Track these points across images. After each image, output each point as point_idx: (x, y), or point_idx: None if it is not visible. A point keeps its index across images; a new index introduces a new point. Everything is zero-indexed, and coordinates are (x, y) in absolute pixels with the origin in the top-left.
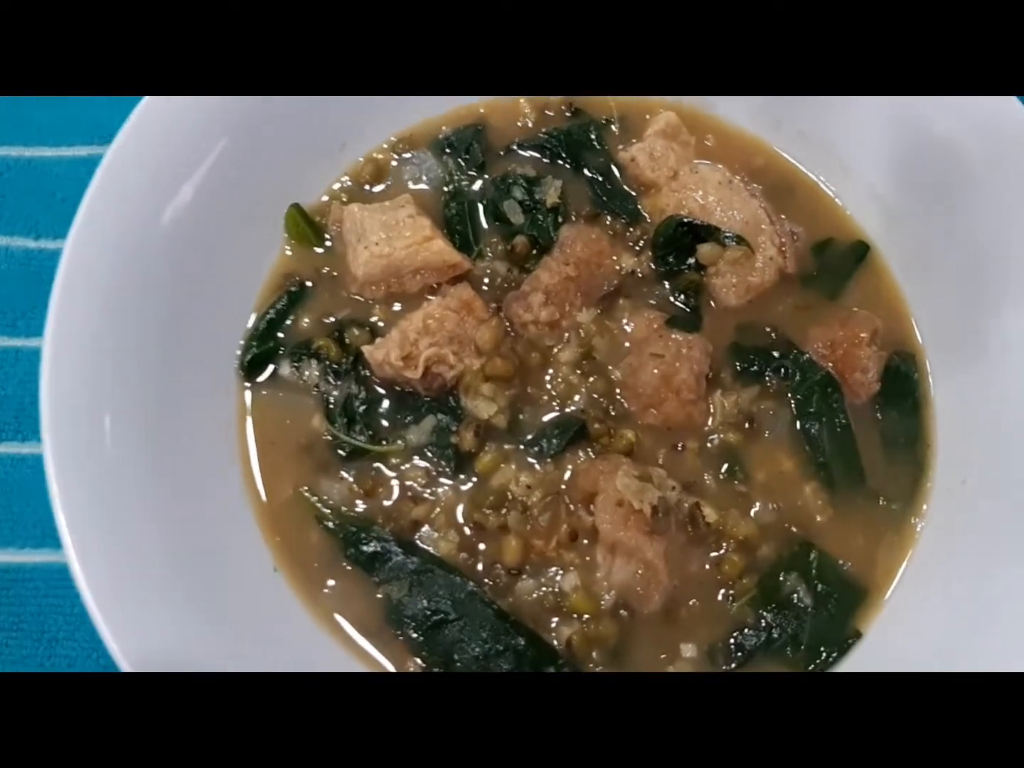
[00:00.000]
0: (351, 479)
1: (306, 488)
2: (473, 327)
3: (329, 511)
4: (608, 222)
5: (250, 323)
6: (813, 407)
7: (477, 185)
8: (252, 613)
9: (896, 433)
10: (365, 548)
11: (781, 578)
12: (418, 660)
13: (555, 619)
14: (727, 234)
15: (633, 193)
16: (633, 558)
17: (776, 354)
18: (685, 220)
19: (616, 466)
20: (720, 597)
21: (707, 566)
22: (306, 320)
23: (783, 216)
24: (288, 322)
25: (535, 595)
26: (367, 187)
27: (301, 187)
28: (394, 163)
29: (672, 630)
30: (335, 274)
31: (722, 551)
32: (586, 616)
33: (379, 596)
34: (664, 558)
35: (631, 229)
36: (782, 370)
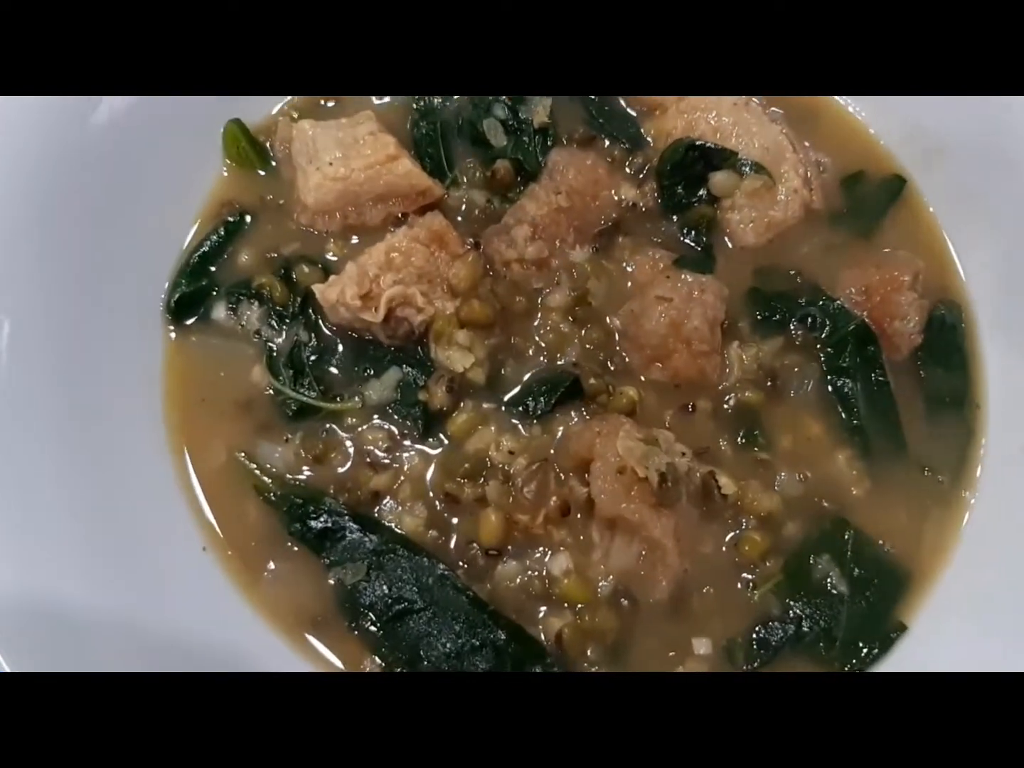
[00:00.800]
0: (297, 442)
1: (243, 453)
2: (446, 264)
3: (270, 480)
4: (606, 146)
5: (179, 258)
6: (846, 362)
7: (452, 101)
8: (176, 600)
9: (941, 393)
10: (313, 524)
11: (811, 561)
12: (376, 658)
13: (543, 609)
14: (744, 161)
15: (634, 114)
16: (636, 537)
17: (802, 301)
18: (696, 143)
19: (616, 427)
20: (739, 584)
21: (724, 547)
22: (245, 256)
23: (807, 144)
24: (224, 257)
25: (518, 580)
26: (322, 102)
27: (245, 101)
28: None
29: (682, 623)
30: (281, 202)
31: (741, 529)
32: (580, 606)
33: (330, 581)
34: (674, 536)
35: (632, 156)
36: (809, 319)
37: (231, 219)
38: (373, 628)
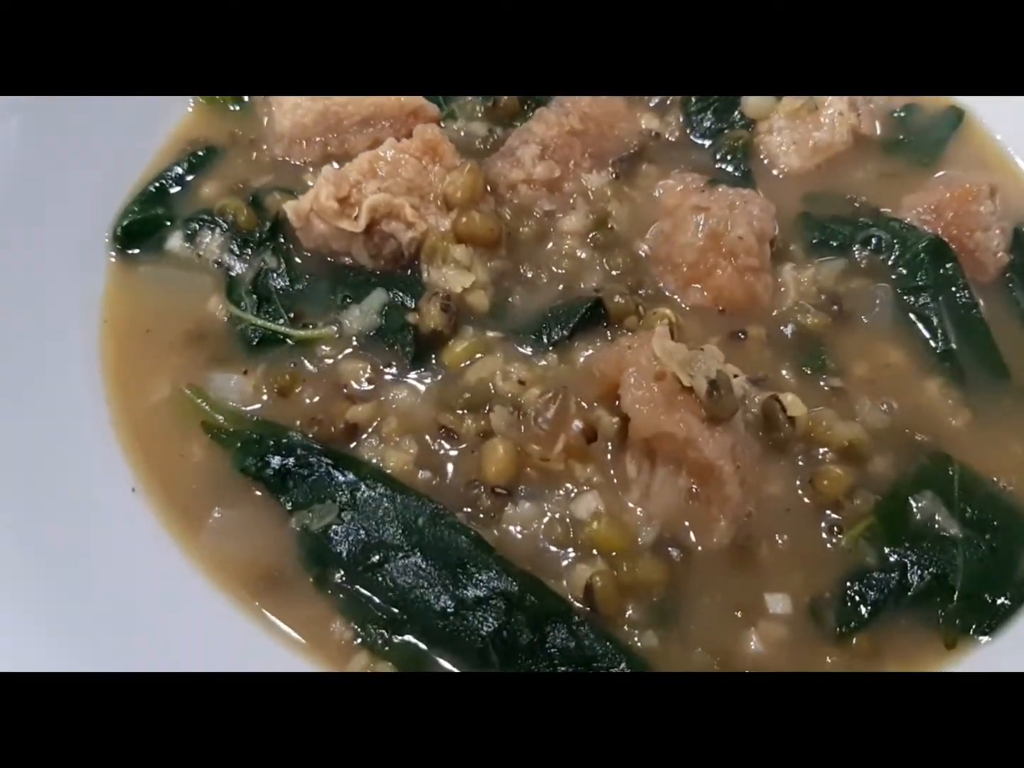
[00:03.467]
0: (259, 374)
1: (189, 386)
2: (440, 178)
3: (222, 417)
4: None
5: (134, 187)
6: (922, 280)
7: None
8: (100, 547)
9: None
10: (273, 461)
11: (910, 500)
12: (346, 622)
13: (566, 559)
14: None
15: None
16: (683, 466)
17: (863, 222)
18: None
19: (649, 339)
20: (821, 529)
21: (797, 487)
22: (209, 188)
23: None
24: (185, 189)
25: (534, 526)
26: None
27: None
28: None
29: (750, 576)
30: (253, 137)
31: (816, 464)
32: (615, 554)
33: (292, 528)
34: (731, 459)
35: None
36: (874, 241)
37: (198, 152)
38: (344, 582)
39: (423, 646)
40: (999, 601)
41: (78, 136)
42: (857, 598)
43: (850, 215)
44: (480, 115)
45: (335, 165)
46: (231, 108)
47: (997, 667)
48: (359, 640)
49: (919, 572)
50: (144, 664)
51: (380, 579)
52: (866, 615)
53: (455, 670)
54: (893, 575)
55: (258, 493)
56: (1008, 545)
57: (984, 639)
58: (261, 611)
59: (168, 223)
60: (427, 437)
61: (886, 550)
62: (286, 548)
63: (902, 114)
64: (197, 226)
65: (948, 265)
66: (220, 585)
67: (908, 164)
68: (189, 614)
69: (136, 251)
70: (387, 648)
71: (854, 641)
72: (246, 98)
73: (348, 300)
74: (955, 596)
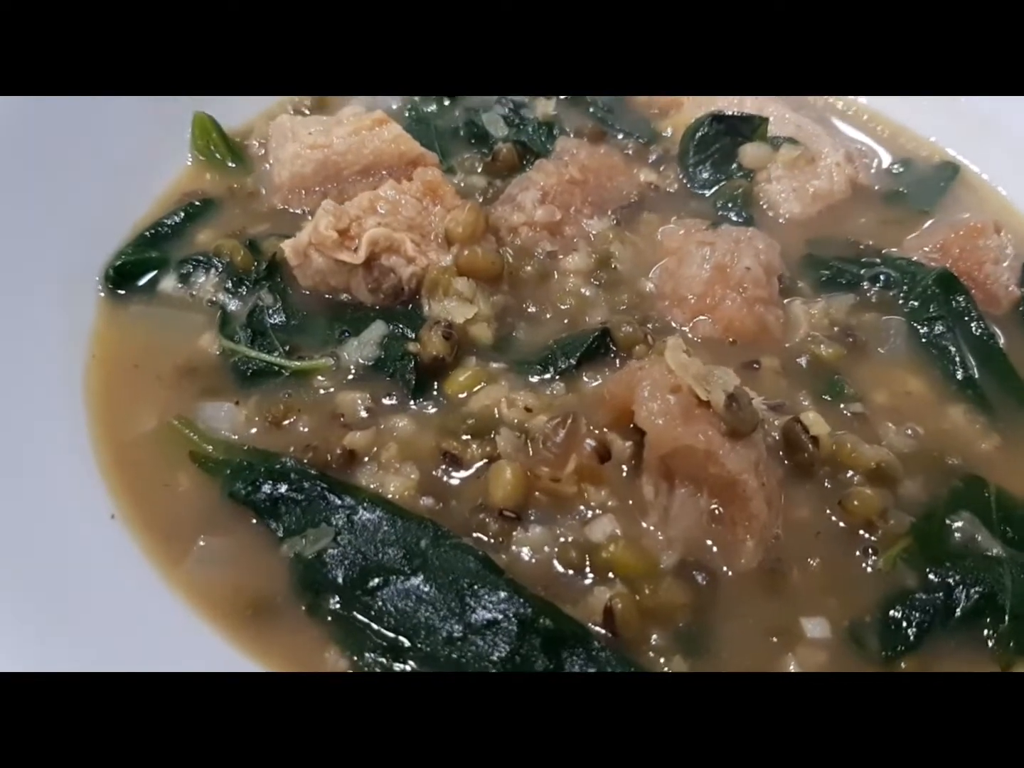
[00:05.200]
0: (251, 405)
1: (177, 417)
2: (440, 218)
3: (210, 445)
4: (619, 139)
5: (129, 231)
6: (935, 312)
7: (445, 109)
8: (77, 575)
9: None
10: (264, 487)
11: (947, 522)
12: (340, 650)
13: (584, 580)
14: (776, 137)
15: (647, 118)
16: (704, 485)
17: (870, 260)
18: (719, 113)
19: (661, 359)
20: (856, 553)
21: (826, 510)
22: (204, 235)
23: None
24: (181, 236)
25: (545, 551)
26: (306, 112)
27: (224, 104)
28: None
29: (782, 600)
30: (251, 191)
31: (845, 487)
32: (635, 580)
33: (283, 555)
34: (755, 474)
35: (650, 146)
36: (882, 277)
37: (195, 203)
38: (339, 609)
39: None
40: None
41: (74, 182)
42: (901, 620)
43: (855, 256)
44: (479, 170)
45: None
46: (229, 164)
47: None
48: (354, 669)
49: (965, 592)
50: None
51: (380, 604)
52: (912, 638)
53: None
54: (938, 596)
55: (247, 521)
56: None
57: None
58: (248, 641)
59: (162, 265)
60: (429, 463)
61: (927, 571)
62: (277, 576)
63: (900, 169)
64: (191, 267)
65: (960, 297)
66: (203, 614)
67: (908, 212)
68: (170, 644)
69: (128, 291)
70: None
71: (902, 665)
72: (245, 160)
73: (346, 334)
74: (1006, 617)
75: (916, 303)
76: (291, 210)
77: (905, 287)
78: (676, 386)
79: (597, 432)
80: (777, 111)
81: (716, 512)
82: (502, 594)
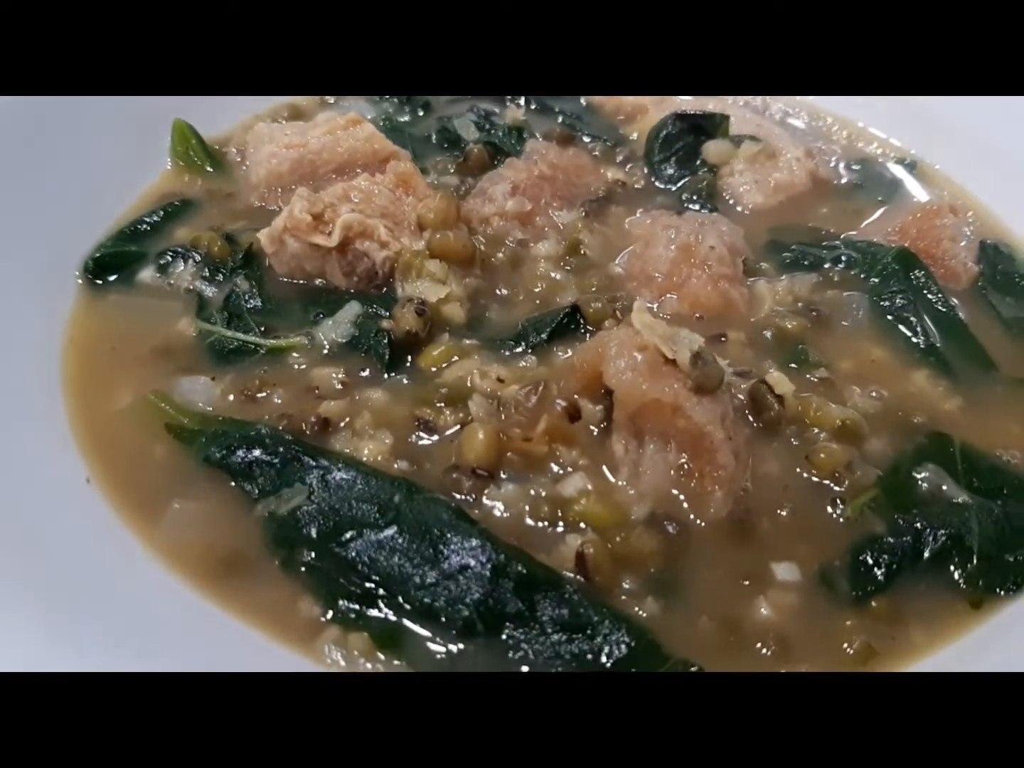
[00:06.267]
0: (227, 382)
1: (154, 393)
2: (413, 208)
3: (186, 418)
4: (587, 144)
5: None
6: (896, 287)
7: (421, 119)
8: (51, 539)
9: (1021, 314)
10: (239, 451)
11: (913, 473)
12: (316, 599)
13: (556, 531)
14: (737, 135)
15: (614, 124)
16: (673, 440)
17: (831, 244)
18: (682, 112)
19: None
20: (823, 504)
21: (794, 467)
22: (182, 232)
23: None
24: (159, 233)
25: (519, 506)
26: (282, 121)
27: (202, 111)
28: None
29: (752, 548)
30: (229, 192)
31: (811, 443)
32: (606, 529)
33: (258, 513)
34: (722, 427)
35: (617, 148)
36: (843, 258)
37: (174, 203)
38: (313, 561)
39: (401, 618)
40: (1021, 558)
41: (55, 181)
42: (871, 563)
43: (816, 240)
44: (452, 170)
45: None
46: (207, 169)
47: None
48: (328, 616)
49: (932, 535)
50: (97, 653)
51: (353, 555)
52: (882, 579)
53: (436, 640)
54: (906, 539)
55: (221, 486)
56: (1022, 507)
57: (1011, 598)
58: (222, 595)
59: (140, 259)
60: (403, 430)
61: (895, 516)
62: (251, 535)
63: (858, 167)
64: (170, 257)
65: (919, 272)
66: (178, 572)
67: (867, 202)
68: (145, 600)
69: (106, 282)
70: (360, 621)
71: (873, 604)
72: (223, 166)
73: (321, 316)
74: (974, 557)
75: (877, 280)
76: (268, 207)
77: (866, 266)
78: (643, 345)
79: (568, 398)
80: (738, 112)
81: (685, 466)
82: (474, 541)
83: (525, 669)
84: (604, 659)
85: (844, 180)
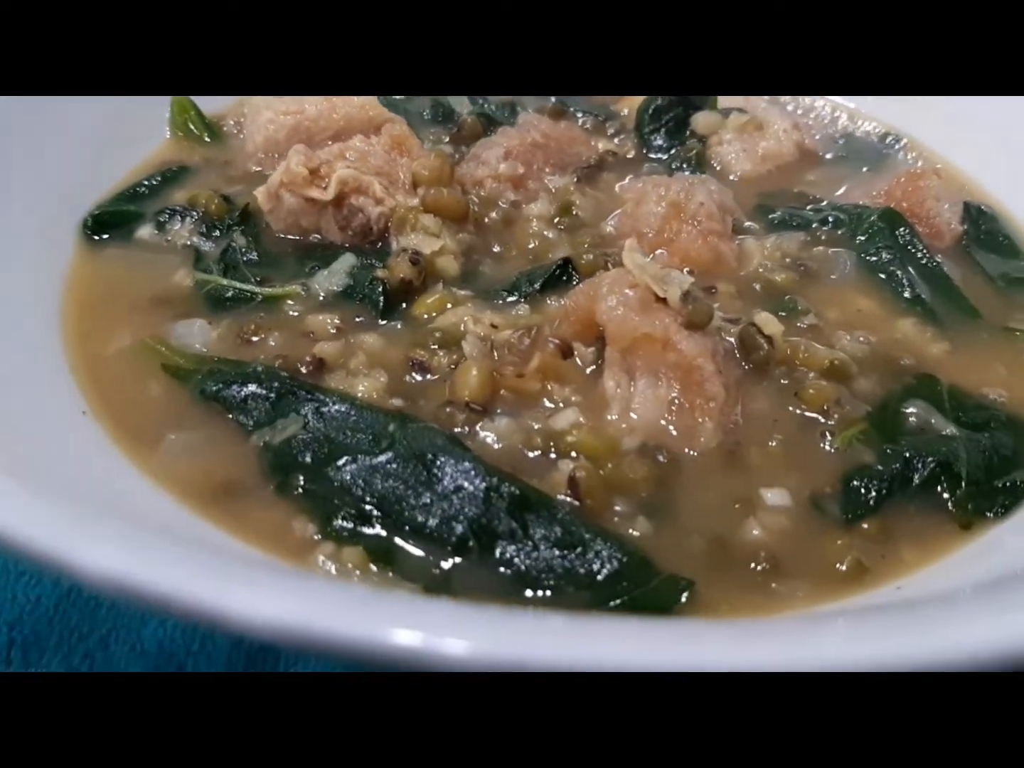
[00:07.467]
0: (222, 327)
1: (151, 336)
2: (407, 169)
3: (182, 359)
4: (579, 120)
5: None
6: (881, 243)
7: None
8: (47, 465)
9: (1005, 271)
10: (234, 386)
11: (902, 408)
12: (310, 519)
13: (549, 459)
14: (725, 108)
15: (605, 103)
16: (664, 375)
17: (818, 207)
18: None
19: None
20: (813, 436)
21: (783, 404)
22: (180, 195)
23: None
24: (157, 196)
25: (513, 438)
26: None
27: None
28: None
29: (742, 476)
30: (226, 159)
31: (800, 382)
32: (598, 458)
33: (253, 443)
34: (712, 360)
35: (607, 123)
36: (830, 219)
37: (172, 168)
38: (307, 485)
39: (394, 536)
40: (1009, 484)
41: (53, 146)
42: (861, 489)
43: (804, 204)
44: (446, 140)
45: None
46: (205, 139)
47: (1018, 544)
48: (322, 535)
49: (921, 462)
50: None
51: (348, 478)
52: (872, 503)
53: (429, 557)
54: (895, 466)
55: (217, 419)
56: (1009, 439)
57: (1000, 520)
58: (218, 518)
59: (138, 218)
60: (398, 371)
61: (884, 447)
62: (246, 463)
63: (843, 141)
64: (167, 215)
65: (904, 230)
66: (174, 496)
67: (853, 169)
68: (141, 520)
69: (104, 238)
70: (354, 539)
71: (864, 526)
72: (220, 137)
73: (317, 268)
74: (963, 483)
75: (863, 238)
76: (265, 172)
77: (852, 225)
78: (634, 283)
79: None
80: None
81: (676, 400)
82: (468, 464)
83: (522, 588)
84: (596, 573)
85: (830, 154)
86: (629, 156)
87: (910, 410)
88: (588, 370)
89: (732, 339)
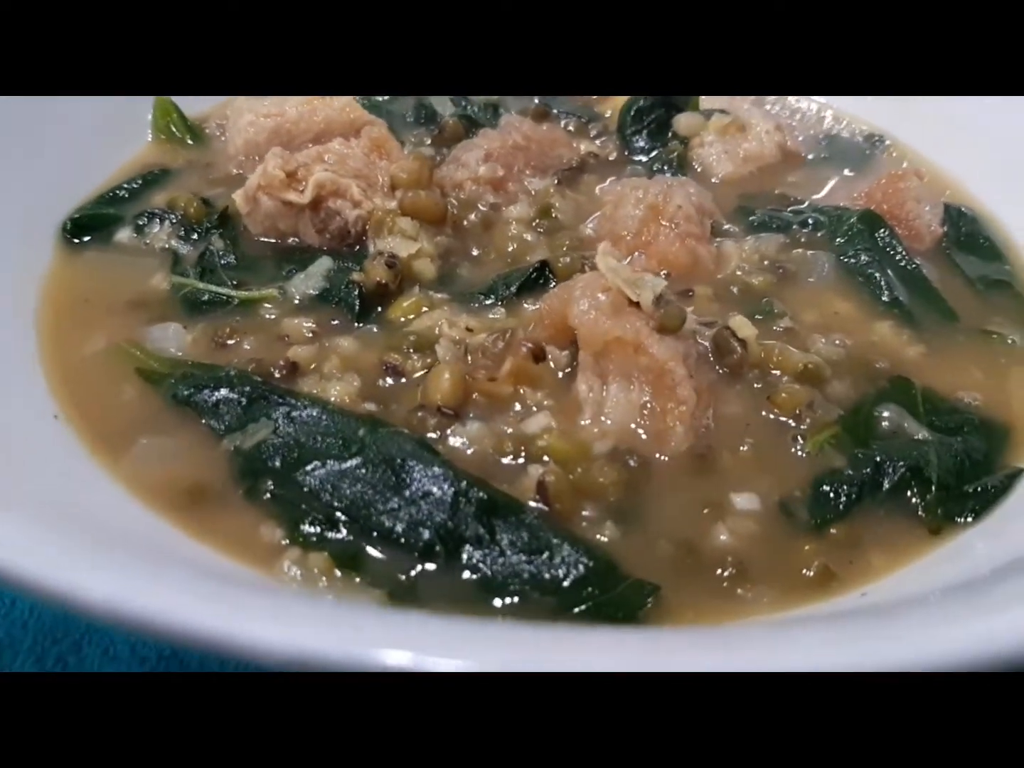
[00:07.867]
0: (197, 331)
1: (126, 340)
2: (386, 171)
3: (157, 363)
4: (561, 122)
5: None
6: (860, 246)
7: (399, 98)
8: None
9: (984, 274)
10: (206, 390)
11: (874, 413)
12: (278, 524)
13: (518, 464)
14: (707, 110)
15: (588, 104)
16: (636, 379)
17: (798, 209)
18: None
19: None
20: (785, 440)
21: (757, 408)
22: (160, 197)
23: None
24: (137, 198)
25: (483, 442)
26: None
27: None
28: None
29: (713, 481)
30: (208, 163)
31: (773, 386)
32: (568, 463)
33: (223, 448)
34: (683, 364)
35: (590, 125)
36: (810, 221)
37: (153, 171)
38: (276, 490)
39: (361, 541)
40: (980, 488)
41: (34, 148)
42: (830, 493)
43: (784, 205)
44: (428, 143)
45: None
46: (188, 142)
47: (988, 549)
48: (289, 540)
49: (892, 466)
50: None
51: (316, 483)
52: (842, 508)
53: (395, 562)
54: (866, 471)
55: (188, 424)
56: (981, 443)
57: (970, 525)
58: (186, 523)
59: (118, 221)
60: (371, 375)
61: (855, 452)
62: (215, 468)
63: (826, 142)
64: (146, 218)
65: (883, 232)
66: (143, 502)
67: (835, 170)
68: (110, 526)
69: (83, 240)
70: (320, 544)
71: (832, 531)
72: (203, 139)
73: (294, 271)
74: (933, 487)
75: (842, 240)
76: (245, 175)
77: (832, 227)
78: (607, 287)
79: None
80: None
81: (647, 404)
82: (437, 469)
83: (488, 594)
84: (562, 579)
85: (813, 155)
86: (611, 158)
87: (883, 414)
88: (561, 374)
89: (707, 343)
